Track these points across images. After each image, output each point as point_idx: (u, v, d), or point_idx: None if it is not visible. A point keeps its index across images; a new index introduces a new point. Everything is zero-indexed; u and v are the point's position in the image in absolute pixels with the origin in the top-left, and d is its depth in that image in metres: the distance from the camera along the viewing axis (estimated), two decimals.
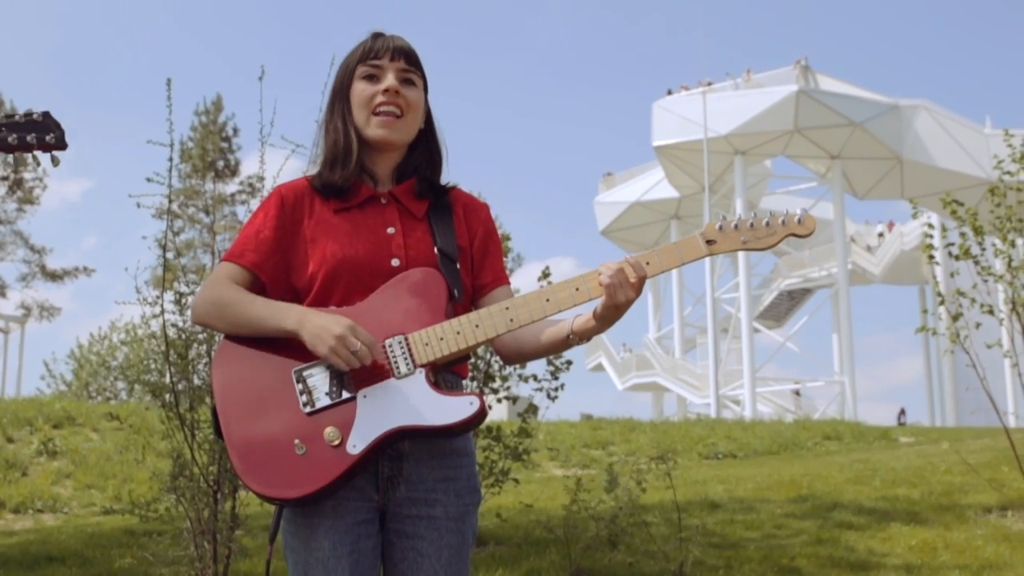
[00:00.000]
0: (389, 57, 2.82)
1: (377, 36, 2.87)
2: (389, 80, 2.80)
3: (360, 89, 2.82)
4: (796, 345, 49.51)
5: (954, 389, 45.90)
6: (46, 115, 2.70)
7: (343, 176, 2.78)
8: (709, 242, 2.64)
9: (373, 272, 2.70)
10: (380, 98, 2.79)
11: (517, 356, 2.87)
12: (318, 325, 2.55)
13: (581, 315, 2.68)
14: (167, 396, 7.12)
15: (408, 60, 2.85)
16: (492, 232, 2.96)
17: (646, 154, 58.20)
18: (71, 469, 13.96)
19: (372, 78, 2.81)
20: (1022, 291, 9.69)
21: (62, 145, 2.69)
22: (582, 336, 2.69)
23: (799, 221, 2.64)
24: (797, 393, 46.54)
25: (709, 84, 44.21)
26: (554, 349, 2.78)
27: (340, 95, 2.86)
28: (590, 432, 21.05)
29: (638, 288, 2.57)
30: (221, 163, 41.75)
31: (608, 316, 2.61)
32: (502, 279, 2.91)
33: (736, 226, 2.64)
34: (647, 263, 2.60)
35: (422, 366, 2.59)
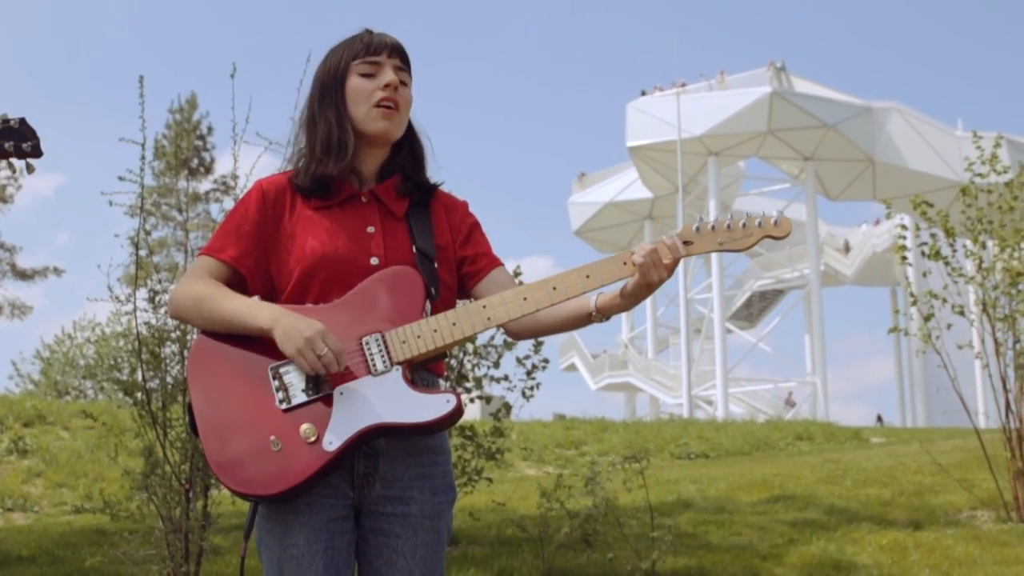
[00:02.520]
0: (387, 54, 2.83)
1: (373, 33, 2.87)
2: (389, 76, 2.80)
3: (358, 84, 2.81)
4: (769, 346, 49.78)
5: (925, 389, 46.16)
6: (22, 122, 2.66)
7: (338, 167, 2.77)
8: (686, 243, 2.67)
9: (352, 269, 2.70)
10: (380, 94, 2.79)
11: (530, 332, 2.86)
12: (290, 325, 2.55)
13: (604, 292, 2.70)
14: (139, 394, 7.09)
15: (403, 59, 2.86)
16: (476, 224, 2.97)
17: (620, 155, 58.36)
18: (42, 468, 13.89)
19: (369, 75, 2.81)
20: (992, 292, 9.76)
21: (38, 153, 2.66)
22: (605, 314, 2.71)
23: (775, 223, 2.68)
24: (791, 403, 46.22)
25: (683, 85, 44.33)
26: (571, 326, 2.80)
27: (332, 88, 2.83)
28: (563, 432, 21.07)
29: (671, 269, 2.62)
30: (195, 161, 41.59)
31: (638, 294, 2.64)
32: (494, 261, 2.93)
33: (713, 227, 2.68)
34: (624, 263, 2.63)
35: (399, 364, 2.59)
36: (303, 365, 2.52)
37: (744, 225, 2.68)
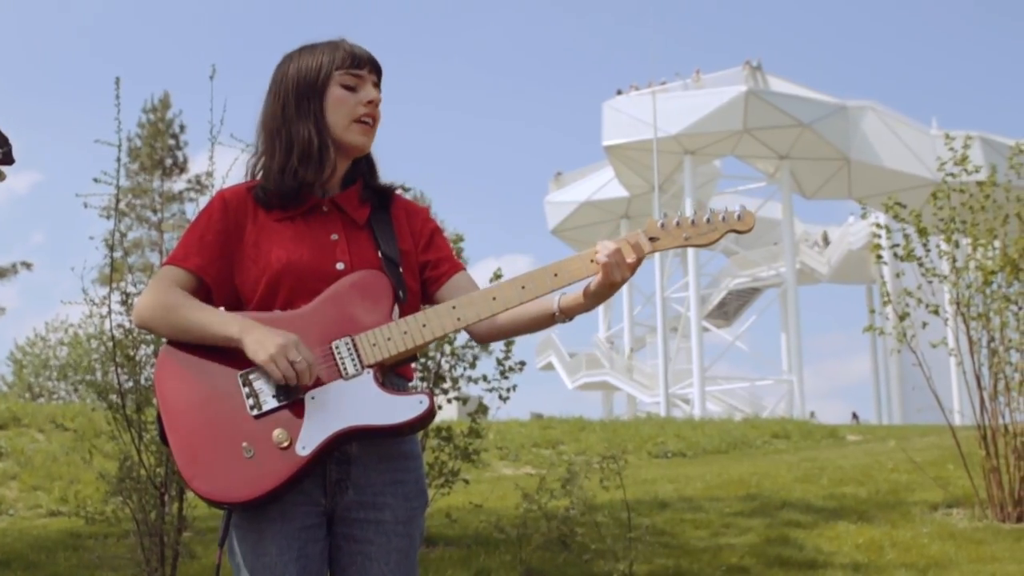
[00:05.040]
0: (368, 69, 2.82)
1: (353, 45, 2.84)
2: (372, 93, 2.81)
3: (340, 95, 2.78)
4: (745, 344, 49.87)
5: (901, 388, 46.31)
6: None
7: (319, 176, 2.76)
8: (652, 239, 2.67)
9: (318, 276, 2.69)
10: (362, 109, 2.78)
11: (497, 334, 2.85)
12: (262, 334, 2.54)
13: (568, 293, 2.69)
14: (113, 397, 7.06)
15: (379, 76, 2.87)
16: (437, 230, 2.97)
17: (596, 154, 58.38)
18: (16, 471, 13.80)
19: (352, 87, 2.80)
20: (966, 291, 9.81)
21: (9, 160, 2.62)
22: (568, 314, 2.70)
23: (739, 217, 2.69)
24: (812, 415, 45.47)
25: (663, 84, 44.40)
26: (536, 327, 2.78)
27: (311, 95, 2.80)
28: (540, 431, 21.07)
29: (634, 268, 2.61)
30: (169, 161, 41.43)
31: (602, 294, 2.63)
32: (456, 266, 2.92)
33: (678, 223, 2.68)
34: (591, 260, 2.63)
35: (370, 367, 2.58)
36: (275, 373, 2.51)
37: (708, 220, 2.69)
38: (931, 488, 10.92)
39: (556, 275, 2.65)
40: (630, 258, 2.60)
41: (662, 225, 2.68)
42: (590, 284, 2.64)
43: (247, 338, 2.55)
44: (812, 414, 44.55)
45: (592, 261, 2.63)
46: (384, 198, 2.89)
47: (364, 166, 2.91)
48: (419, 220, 2.94)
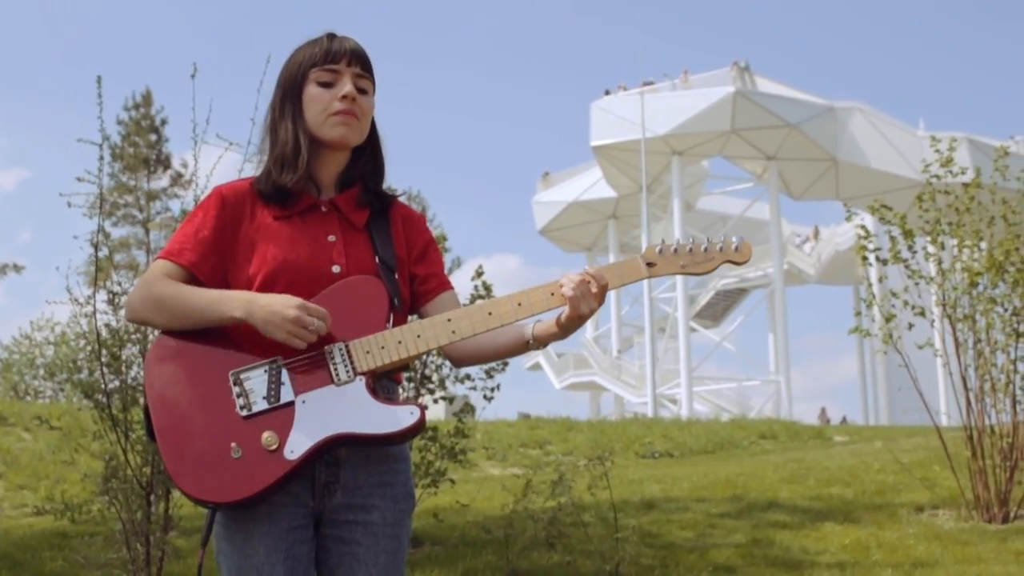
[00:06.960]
0: (346, 62, 2.77)
1: (333, 38, 2.80)
2: (347, 87, 2.75)
3: (315, 93, 2.76)
4: (732, 344, 49.91)
5: (887, 389, 46.36)
6: None
7: (293, 179, 2.73)
8: (649, 264, 2.72)
9: (313, 277, 2.67)
10: (337, 104, 2.74)
11: (472, 359, 2.87)
12: (269, 310, 2.53)
13: (542, 321, 2.72)
14: (99, 396, 7.04)
15: (364, 66, 2.80)
16: (432, 241, 2.96)
17: (584, 154, 58.36)
18: (2, 470, 13.78)
19: (328, 83, 2.76)
20: (952, 293, 9.83)
21: None
22: (542, 342, 2.74)
23: (736, 248, 2.75)
24: (826, 418, 45.61)
25: (651, 84, 44.38)
26: (511, 353, 2.81)
27: (290, 95, 2.79)
28: (527, 431, 21.06)
29: (600, 298, 2.63)
30: (153, 155, 41.25)
31: (571, 326, 2.67)
32: (445, 284, 2.91)
33: (675, 250, 2.73)
34: (551, 294, 2.66)
35: (362, 374, 2.58)
36: (298, 344, 2.53)
37: (705, 249, 2.74)
38: (917, 489, 10.94)
39: (520, 304, 2.67)
40: (595, 289, 2.62)
41: (660, 252, 2.73)
42: (561, 316, 2.67)
43: (254, 318, 2.55)
44: (823, 410, 44.87)
45: (553, 294, 2.66)
46: (384, 203, 2.88)
47: (368, 168, 2.88)
48: (416, 229, 2.93)
